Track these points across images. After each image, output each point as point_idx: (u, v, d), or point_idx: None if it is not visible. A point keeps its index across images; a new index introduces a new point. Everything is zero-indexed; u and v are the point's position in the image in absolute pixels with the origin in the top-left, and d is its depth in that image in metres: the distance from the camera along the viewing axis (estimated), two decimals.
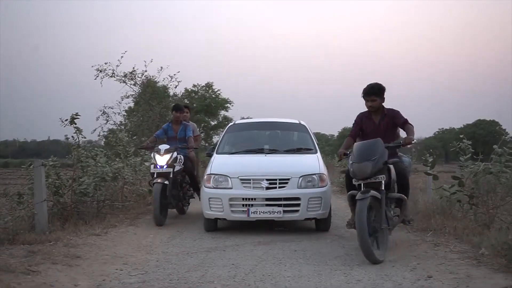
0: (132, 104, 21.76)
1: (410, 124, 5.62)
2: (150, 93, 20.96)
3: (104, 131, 20.79)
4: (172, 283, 4.12)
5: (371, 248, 4.72)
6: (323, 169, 6.69)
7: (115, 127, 19.18)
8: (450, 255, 5.16)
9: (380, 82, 5.72)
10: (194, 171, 8.74)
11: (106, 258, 4.97)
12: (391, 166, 5.32)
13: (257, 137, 8.00)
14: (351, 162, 5.20)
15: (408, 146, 5.62)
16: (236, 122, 8.43)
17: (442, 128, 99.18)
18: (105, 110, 16.21)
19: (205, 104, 36.79)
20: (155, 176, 7.52)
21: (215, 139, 38.71)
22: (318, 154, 7.24)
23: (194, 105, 36.11)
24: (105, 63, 15.63)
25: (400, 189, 5.61)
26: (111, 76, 15.17)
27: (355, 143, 5.48)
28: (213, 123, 37.80)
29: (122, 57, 15.48)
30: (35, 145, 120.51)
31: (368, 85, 5.65)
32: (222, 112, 38.37)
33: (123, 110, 21.00)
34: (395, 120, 5.64)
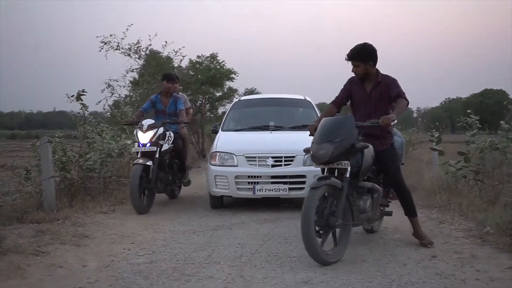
0: (137, 76, 21.71)
1: (403, 98, 4.57)
2: (154, 66, 20.88)
3: (109, 104, 20.86)
4: (179, 263, 4.17)
5: (317, 247, 4.00)
6: None
7: (120, 99, 19.21)
8: (455, 233, 5.20)
9: (369, 43, 4.68)
10: (185, 150, 7.74)
11: (113, 238, 5.03)
12: (367, 150, 4.37)
13: (263, 113, 7.97)
14: (312, 141, 4.39)
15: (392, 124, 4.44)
16: (241, 99, 8.40)
17: (449, 98, 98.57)
18: (110, 83, 16.10)
19: (210, 75, 36.68)
20: (138, 156, 6.71)
21: (221, 110, 38.75)
22: None
23: (199, 76, 36.03)
24: (110, 35, 15.45)
25: (385, 178, 4.80)
26: (116, 49, 14.97)
27: (323, 119, 4.53)
28: (218, 94, 37.80)
29: (127, 29, 15.28)
30: (41, 116, 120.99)
31: (352, 48, 4.63)
32: (227, 83, 38.37)
33: (127, 84, 21.00)
34: (389, 90, 4.60)
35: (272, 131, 7.16)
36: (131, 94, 22.63)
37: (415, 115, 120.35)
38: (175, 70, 35.01)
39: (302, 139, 6.79)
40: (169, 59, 34.35)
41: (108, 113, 21.63)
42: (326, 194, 4.15)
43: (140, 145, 6.57)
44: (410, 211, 4.71)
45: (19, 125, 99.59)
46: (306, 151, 4.64)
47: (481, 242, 4.76)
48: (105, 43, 15.05)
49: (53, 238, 4.70)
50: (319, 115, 7.63)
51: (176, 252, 4.52)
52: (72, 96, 8.49)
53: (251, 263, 4.18)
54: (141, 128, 6.69)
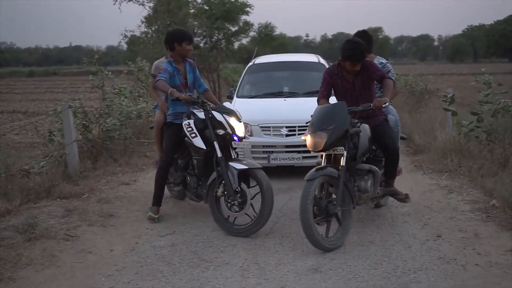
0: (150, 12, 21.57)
1: (389, 78, 4.75)
2: (167, 3, 20.66)
3: (127, 36, 20.94)
4: (198, 246, 4.49)
5: (318, 237, 4.17)
6: None
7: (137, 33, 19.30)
8: (462, 206, 5.41)
9: (362, 41, 4.66)
10: None
11: (137, 215, 5.36)
12: (362, 132, 4.49)
13: (277, 78, 8.05)
14: (307, 131, 4.51)
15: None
16: (255, 62, 8.43)
17: (471, 25, 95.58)
18: (126, 34, 16.14)
19: (224, 10, 36.02)
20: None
21: (236, 45, 38.32)
22: None
23: (214, 11, 35.43)
24: None
25: (383, 150, 4.86)
26: (129, 0, 14.87)
27: (317, 107, 4.65)
28: (233, 29, 37.27)
29: None
30: (58, 51, 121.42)
31: (349, 47, 4.54)
32: (243, 17, 37.69)
33: (142, 21, 20.90)
34: (370, 74, 4.68)
35: (286, 98, 7.27)
36: (146, 30, 22.61)
37: (436, 43, 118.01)
38: (189, 4, 34.45)
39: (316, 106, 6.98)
40: None
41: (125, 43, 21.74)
42: (323, 183, 4.35)
43: (236, 139, 4.91)
44: (391, 172, 4.93)
45: (36, 61, 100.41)
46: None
47: (485, 218, 4.97)
48: None
49: (81, 219, 5.06)
50: None
51: (195, 233, 4.84)
52: (90, 59, 8.72)
53: (265, 245, 4.48)
54: (233, 114, 4.89)
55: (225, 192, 4.74)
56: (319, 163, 4.63)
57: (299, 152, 6.57)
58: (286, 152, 6.61)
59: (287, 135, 6.60)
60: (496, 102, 7.21)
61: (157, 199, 5.26)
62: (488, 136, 7.20)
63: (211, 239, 4.68)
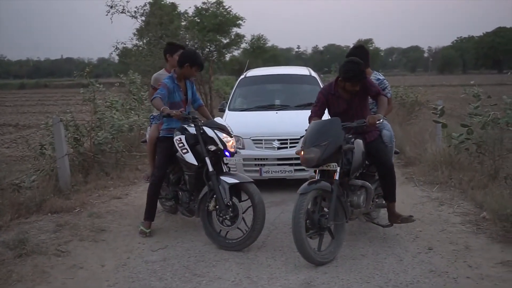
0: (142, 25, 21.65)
1: (383, 95, 4.78)
2: (159, 17, 20.76)
3: (118, 48, 21.00)
4: (190, 261, 4.47)
5: (309, 251, 4.18)
6: None
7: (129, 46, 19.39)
8: (453, 218, 5.45)
9: (360, 51, 5.02)
10: None
11: (128, 229, 5.34)
12: (356, 147, 4.50)
13: (268, 91, 8.10)
14: (301, 146, 4.54)
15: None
16: (247, 75, 8.47)
17: (461, 37, 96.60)
18: (117, 46, 16.22)
19: (216, 23, 36.22)
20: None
21: (228, 57, 38.48)
22: None
23: (205, 23, 35.62)
24: None
25: (377, 166, 4.81)
26: (121, 12, 14.95)
27: (311, 122, 4.70)
28: (225, 41, 37.44)
29: None
30: (49, 64, 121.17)
31: (350, 68, 4.51)
32: (234, 29, 37.91)
33: (133, 33, 20.99)
34: (367, 91, 4.70)
35: (278, 111, 7.30)
36: (137, 42, 22.69)
37: (426, 54, 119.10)
38: (181, 17, 34.61)
39: (307, 120, 7.01)
40: (173, 6, 33.88)
41: (117, 55, 21.80)
42: (316, 197, 4.36)
43: (228, 155, 4.93)
44: (391, 195, 4.86)
45: (27, 74, 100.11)
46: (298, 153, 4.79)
47: (476, 230, 5.02)
48: (111, 7, 14.96)
49: (72, 234, 5.04)
50: None
51: (187, 247, 4.82)
52: (81, 72, 8.73)
53: (257, 260, 4.47)
54: (224, 129, 4.95)
55: (217, 206, 4.73)
56: (313, 177, 4.64)
57: (291, 164, 6.60)
58: (278, 165, 6.63)
59: (279, 148, 6.63)
60: (485, 115, 7.28)
61: (149, 214, 5.23)
62: (478, 148, 7.26)
63: (203, 253, 4.67)
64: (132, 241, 5.02)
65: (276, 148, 6.62)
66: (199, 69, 5.24)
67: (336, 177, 4.35)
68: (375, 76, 5.36)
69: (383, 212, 5.39)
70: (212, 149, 4.78)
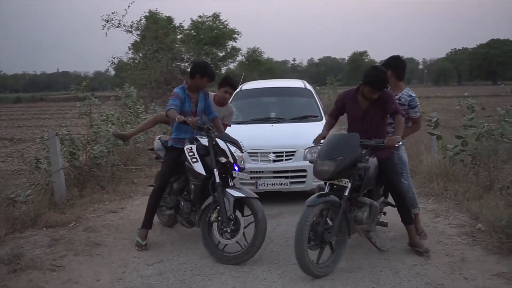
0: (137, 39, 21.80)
1: (400, 114, 4.70)
2: (154, 30, 20.88)
3: (114, 63, 21.13)
4: (186, 275, 4.45)
5: (309, 263, 4.17)
6: None
7: (125, 59, 19.52)
8: (449, 229, 5.46)
9: (396, 61, 4.96)
10: None
11: (124, 243, 5.31)
12: (370, 166, 4.49)
13: (264, 104, 8.13)
14: (316, 156, 4.56)
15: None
16: (242, 88, 8.50)
17: (455, 49, 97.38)
18: (113, 60, 16.34)
19: (213, 36, 36.44)
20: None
21: (224, 70, 38.67)
22: (324, 121, 7.36)
23: (202, 36, 35.84)
24: (112, 13, 15.54)
25: (386, 185, 4.88)
26: (117, 26, 15.06)
27: (329, 134, 4.74)
28: (221, 54, 37.62)
29: (129, 7, 15.33)
30: (45, 77, 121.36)
31: (372, 73, 4.49)
32: (230, 43, 38.13)
33: (129, 47, 21.11)
34: (386, 106, 4.62)
35: (273, 124, 7.32)
36: (133, 56, 22.81)
37: (421, 66, 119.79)
38: (176, 30, 34.71)
39: (303, 132, 7.06)
40: (169, 19, 34.03)
41: (113, 68, 21.95)
42: (322, 210, 4.33)
43: (237, 169, 4.98)
44: (407, 218, 4.86)
45: (23, 88, 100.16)
46: (311, 161, 4.81)
47: (472, 241, 5.03)
48: (107, 21, 15.08)
49: (67, 249, 5.02)
50: (319, 104, 7.82)
51: (183, 261, 4.80)
52: (78, 86, 8.76)
53: (253, 273, 4.46)
54: (236, 144, 5.08)
55: (219, 218, 4.73)
56: (321, 188, 4.64)
57: (286, 177, 6.61)
58: (274, 177, 6.63)
59: (274, 161, 6.64)
60: (480, 126, 7.33)
61: (147, 222, 5.23)
62: (473, 160, 7.30)
63: (199, 267, 4.65)
64: (128, 255, 4.99)
65: (271, 161, 6.63)
66: (210, 79, 5.23)
67: (346, 193, 4.33)
68: (407, 92, 5.08)
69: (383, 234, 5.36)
70: (222, 161, 4.81)
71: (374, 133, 4.62)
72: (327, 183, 4.50)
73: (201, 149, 4.92)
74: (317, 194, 4.38)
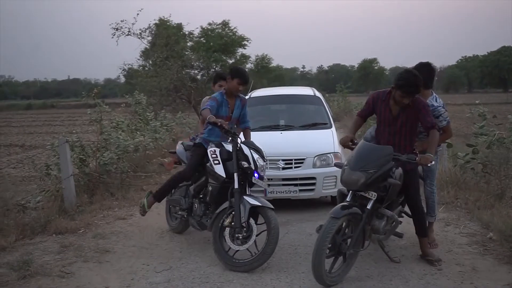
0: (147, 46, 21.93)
1: (437, 129, 4.46)
2: (165, 37, 20.99)
3: (125, 70, 21.27)
4: (195, 282, 4.43)
5: (323, 271, 4.10)
6: (337, 147, 6.83)
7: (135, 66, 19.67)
8: (459, 239, 5.40)
9: (425, 68, 4.72)
10: None
11: (133, 250, 5.31)
12: (397, 175, 4.42)
13: (273, 111, 8.13)
14: (345, 163, 4.48)
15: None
16: (252, 96, 8.51)
17: (465, 56, 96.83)
18: (124, 68, 16.48)
19: (222, 43, 36.57)
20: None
21: None
22: (333, 128, 7.38)
23: (211, 43, 35.98)
24: (121, 21, 15.64)
25: (405, 196, 4.77)
26: (127, 35, 15.16)
27: (361, 142, 4.54)
28: (230, 62, 37.73)
29: (138, 14, 15.44)
30: (56, 84, 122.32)
31: (404, 77, 4.35)
32: (240, 50, 38.23)
33: (139, 55, 21.25)
34: (420, 117, 4.44)
35: (282, 131, 7.31)
36: (143, 63, 22.96)
37: None
38: (186, 37, 34.96)
39: (312, 140, 7.04)
40: (179, 27, 34.25)
41: (123, 75, 22.15)
42: (343, 222, 4.26)
43: (257, 176, 4.99)
44: (421, 231, 4.79)
45: (34, 94, 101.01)
46: (338, 165, 4.83)
47: (483, 251, 4.98)
48: (117, 29, 15.19)
49: (77, 256, 5.03)
50: (328, 111, 7.80)
51: (191, 268, 4.79)
52: (89, 93, 8.83)
53: (262, 281, 4.43)
54: (260, 152, 5.17)
55: (232, 223, 4.75)
56: (342, 193, 4.60)
57: (295, 185, 6.59)
58: (283, 185, 6.61)
59: (283, 168, 6.62)
60: (491, 134, 7.29)
61: (160, 195, 5.51)
62: (484, 168, 7.25)
63: (208, 274, 4.64)
64: (136, 262, 4.99)
65: (281, 168, 6.61)
66: (241, 82, 5.30)
67: (369, 206, 4.28)
68: (430, 101, 4.88)
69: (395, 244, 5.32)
70: (244, 166, 4.85)
71: (401, 140, 4.55)
72: (350, 193, 4.41)
73: (224, 153, 5.02)
74: (340, 205, 4.28)
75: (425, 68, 4.93)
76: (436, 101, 4.96)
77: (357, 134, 4.96)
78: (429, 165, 4.29)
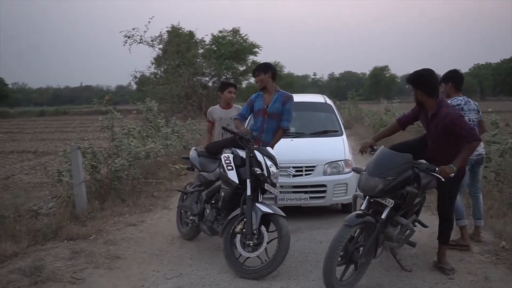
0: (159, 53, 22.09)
1: (471, 144, 4.23)
2: (176, 45, 21.13)
3: (137, 77, 21.43)
4: None
5: (334, 279, 4.06)
6: (348, 154, 6.82)
7: (147, 74, 19.82)
8: (471, 247, 5.34)
9: (428, 72, 4.41)
10: None
11: (143, 257, 5.33)
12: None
13: None
14: (364, 169, 4.44)
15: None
16: None
17: (478, 64, 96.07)
18: (136, 75, 16.62)
19: (233, 50, 36.76)
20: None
21: (244, 84, 38.90)
22: (344, 136, 7.36)
23: (222, 51, 36.15)
24: (133, 29, 15.77)
25: (438, 200, 4.77)
26: (139, 42, 15.27)
27: (380, 148, 4.48)
28: (242, 69, 37.87)
29: (149, 22, 15.58)
30: (68, 91, 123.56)
31: (414, 72, 4.49)
32: (251, 57, 38.39)
33: (151, 62, 21.42)
34: (451, 129, 4.28)
35: (293, 139, 7.31)
36: (155, 71, 23.10)
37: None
38: (198, 45, 35.10)
39: (323, 148, 7.02)
40: (191, 34, 34.39)
41: (134, 83, 22.31)
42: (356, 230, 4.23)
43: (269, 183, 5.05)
44: (444, 238, 4.77)
45: (47, 101, 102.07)
46: (355, 170, 4.83)
47: (495, 260, 4.92)
48: (129, 37, 15.31)
49: (88, 262, 5.06)
50: (339, 119, 7.78)
51: (201, 275, 4.78)
52: (100, 100, 8.90)
53: None
54: (273, 159, 5.20)
55: (244, 230, 4.75)
56: (358, 197, 4.60)
57: (306, 192, 6.57)
58: (293, 192, 6.60)
59: (294, 176, 6.61)
60: (503, 142, 7.23)
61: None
62: (497, 176, 7.19)
63: (218, 281, 4.63)
64: (147, 268, 5.00)
65: (291, 176, 6.60)
66: (256, 72, 5.75)
67: (384, 216, 4.24)
68: (456, 100, 5.17)
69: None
70: (257, 172, 4.87)
71: (435, 151, 4.50)
72: (366, 199, 4.40)
73: (238, 160, 5.05)
74: (355, 213, 4.25)
75: (457, 74, 5.30)
76: (460, 100, 5.22)
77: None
78: (449, 176, 4.18)
